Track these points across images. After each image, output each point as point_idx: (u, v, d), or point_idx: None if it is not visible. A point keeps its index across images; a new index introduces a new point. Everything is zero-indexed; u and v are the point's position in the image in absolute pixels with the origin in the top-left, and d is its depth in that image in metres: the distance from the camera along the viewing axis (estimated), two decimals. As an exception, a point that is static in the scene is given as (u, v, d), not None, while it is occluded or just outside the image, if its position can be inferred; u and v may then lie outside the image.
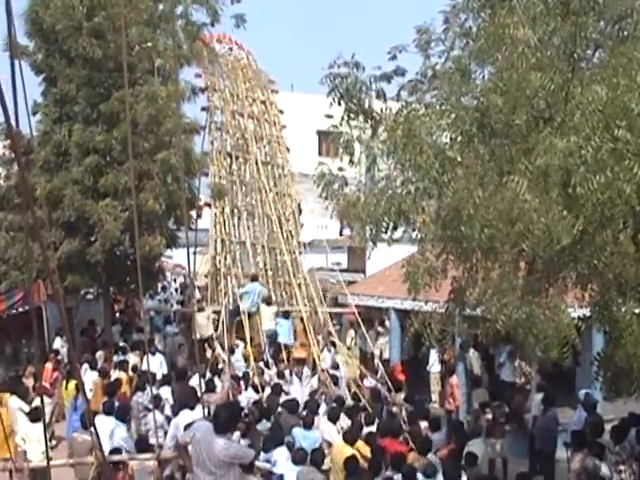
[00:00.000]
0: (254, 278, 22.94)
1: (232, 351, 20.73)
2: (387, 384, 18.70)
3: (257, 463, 11.84)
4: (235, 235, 24.94)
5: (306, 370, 19.92)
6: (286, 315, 22.48)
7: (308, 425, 14.38)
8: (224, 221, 24.82)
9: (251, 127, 26.87)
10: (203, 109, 25.78)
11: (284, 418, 15.01)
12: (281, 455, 12.71)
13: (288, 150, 28.04)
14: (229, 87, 27.04)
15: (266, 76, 29.57)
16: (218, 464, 7.95)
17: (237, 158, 26.05)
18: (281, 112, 28.84)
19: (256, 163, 26.05)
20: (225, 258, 24.36)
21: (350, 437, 13.17)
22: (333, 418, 15.01)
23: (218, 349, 20.74)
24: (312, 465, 11.98)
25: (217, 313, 22.48)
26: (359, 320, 21.96)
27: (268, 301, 22.44)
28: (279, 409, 15.94)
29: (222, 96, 26.46)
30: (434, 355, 21.61)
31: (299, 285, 24.11)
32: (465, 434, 14.36)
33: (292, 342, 22.33)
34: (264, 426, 14.90)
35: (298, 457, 12.21)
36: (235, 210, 25.39)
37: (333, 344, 21.53)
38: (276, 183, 26.67)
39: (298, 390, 18.61)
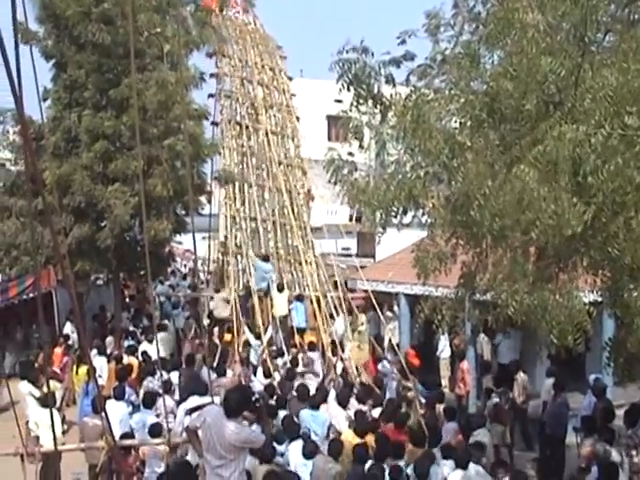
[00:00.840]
0: (265, 258, 22.82)
1: (258, 337, 20.57)
2: (403, 369, 18.43)
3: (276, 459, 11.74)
4: (245, 211, 24.51)
5: (316, 354, 19.86)
6: (300, 298, 22.36)
7: (316, 406, 14.11)
8: (234, 197, 24.39)
9: (260, 95, 26.42)
10: (212, 75, 25.21)
11: (293, 404, 14.72)
12: (295, 450, 12.24)
13: (298, 119, 27.59)
14: (238, 53, 26.58)
15: (274, 42, 28.99)
16: (228, 448, 7.97)
17: (247, 127, 25.59)
18: (290, 79, 28.31)
19: (266, 133, 25.64)
20: (235, 237, 23.98)
21: (360, 429, 12.77)
22: (343, 403, 14.70)
23: (247, 333, 20.58)
24: (329, 455, 11.63)
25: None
26: (375, 304, 21.62)
27: (280, 288, 22.29)
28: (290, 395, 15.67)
29: (231, 62, 26.03)
30: (444, 340, 21.63)
31: (309, 264, 23.92)
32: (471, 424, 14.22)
33: (305, 325, 22.25)
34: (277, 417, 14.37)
35: (309, 450, 11.87)
36: (245, 185, 24.91)
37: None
38: (286, 154, 26.29)
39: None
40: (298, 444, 12.19)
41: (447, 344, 21.73)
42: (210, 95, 25.53)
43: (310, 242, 24.92)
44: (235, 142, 25.16)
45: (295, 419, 13.46)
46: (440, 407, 15.27)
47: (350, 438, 12.43)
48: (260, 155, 25.52)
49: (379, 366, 20.23)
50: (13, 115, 21.46)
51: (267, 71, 27.38)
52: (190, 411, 12.37)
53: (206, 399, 13.11)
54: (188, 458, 11.21)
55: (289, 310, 22.05)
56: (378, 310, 21.60)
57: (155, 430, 12.45)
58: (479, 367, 20.35)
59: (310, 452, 11.83)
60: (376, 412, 14.81)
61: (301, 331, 21.91)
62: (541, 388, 17.72)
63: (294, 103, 28.03)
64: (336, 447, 11.72)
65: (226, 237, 24.23)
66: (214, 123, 25.42)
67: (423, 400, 16.26)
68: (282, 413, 13.85)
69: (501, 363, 20.52)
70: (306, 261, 23.96)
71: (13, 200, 22.17)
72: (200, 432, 8.36)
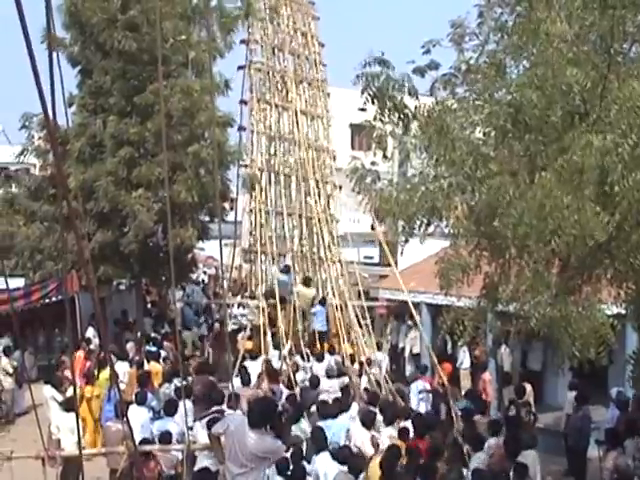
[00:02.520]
0: (286, 269, 22.76)
1: (277, 346, 20.33)
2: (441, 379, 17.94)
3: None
4: (271, 204, 23.78)
5: (333, 360, 19.57)
6: (323, 302, 22.17)
7: (335, 415, 13.73)
8: (261, 188, 23.70)
9: (291, 67, 25.40)
10: (242, 42, 24.25)
11: (313, 420, 14.30)
12: (322, 462, 11.67)
13: (328, 95, 26.47)
14: (269, 14, 25.31)
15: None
16: (250, 457, 7.97)
17: (276, 106, 24.66)
18: (322, 45, 27.00)
19: (295, 114, 24.73)
20: (260, 237, 23.29)
21: (389, 464, 11.36)
22: (367, 424, 13.48)
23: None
24: (350, 472, 11.07)
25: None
26: (413, 312, 20.78)
27: (307, 283, 22.10)
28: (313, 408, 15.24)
29: (263, 26, 24.87)
30: (463, 351, 21.53)
31: (334, 263, 23.54)
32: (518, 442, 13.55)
33: (326, 329, 22.09)
34: (299, 427, 13.90)
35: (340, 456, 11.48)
36: (272, 173, 24.08)
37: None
38: (316, 137, 25.37)
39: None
40: (325, 456, 11.77)
41: (467, 355, 21.62)
42: (240, 67, 24.67)
43: (336, 238, 24.36)
44: (263, 125, 24.29)
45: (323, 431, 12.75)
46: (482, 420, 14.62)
47: (377, 470, 11.46)
48: (289, 139, 24.68)
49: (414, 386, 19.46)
50: (39, 120, 21.62)
51: (299, 37, 26.21)
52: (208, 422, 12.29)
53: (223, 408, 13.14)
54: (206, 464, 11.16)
55: (312, 313, 21.88)
56: (414, 316, 21.10)
57: (165, 439, 12.40)
58: (500, 378, 20.23)
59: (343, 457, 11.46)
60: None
61: (322, 335, 21.71)
62: (563, 400, 17.60)
63: (324, 76, 26.66)
64: (357, 464, 11.29)
65: (251, 234, 23.82)
66: (241, 128, 24.60)
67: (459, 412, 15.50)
68: (304, 422, 13.68)
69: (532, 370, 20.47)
70: (332, 260, 23.56)
71: (38, 205, 22.32)
72: (222, 438, 8.37)
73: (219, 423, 8.87)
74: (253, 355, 19.57)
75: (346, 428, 13.75)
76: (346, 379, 18.62)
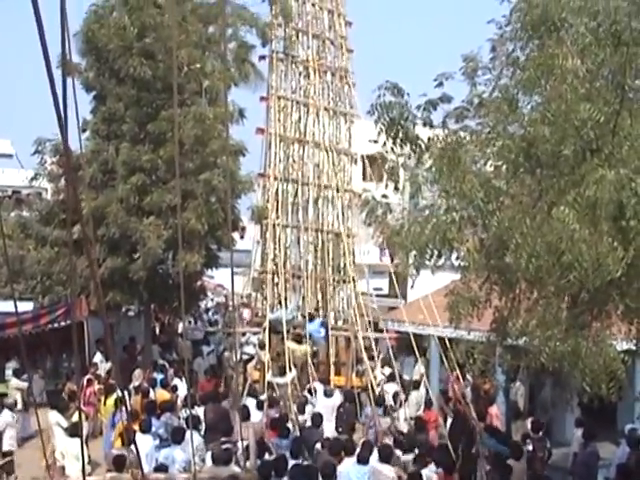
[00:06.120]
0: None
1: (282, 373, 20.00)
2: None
3: None
4: (286, 220, 23.20)
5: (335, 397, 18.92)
6: (324, 325, 21.86)
7: (364, 460, 12.70)
8: (277, 201, 23.11)
9: (315, 55, 24.25)
10: (265, 25, 23.27)
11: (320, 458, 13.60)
12: None
13: (353, 86, 25.04)
14: None
15: None
16: None
17: (297, 103, 23.88)
18: (349, 24, 25.56)
19: (317, 112, 23.87)
20: (274, 248, 22.76)
21: None
22: (386, 458, 12.92)
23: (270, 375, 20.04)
24: None
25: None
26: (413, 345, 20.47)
27: (298, 340, 21.14)
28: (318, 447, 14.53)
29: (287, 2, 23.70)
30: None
31: (348, 282, 23.04)
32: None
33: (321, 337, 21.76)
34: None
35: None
36: (288, 186, 23.31)
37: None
38: (337, 139, 24.35)
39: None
40: None
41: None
42: (261, 57, 24.19)
43: (352, 255, 23.61)
44: (282, 127, 23.48)
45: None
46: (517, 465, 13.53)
47: None
48: (308, 142, 23.76)
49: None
50: (53, 145, 21.77)
51: (325, 17, 24.95)
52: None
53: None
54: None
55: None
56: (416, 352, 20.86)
57: (160, 468, 12.34)
58: (510, 412, 20.09)
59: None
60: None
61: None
62: (570, 436, 17.46)
63: (350, 65, 25.32)
64: None
65: (263, 250, 23.34)
66: (260, 130, 23.81)
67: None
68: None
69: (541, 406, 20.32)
70: (344, 280, 23.14)
71: (49, 229, 22.41)
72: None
73: None
74: (253, 392, 18.98)
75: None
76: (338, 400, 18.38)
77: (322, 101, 24.00)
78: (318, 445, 14.78)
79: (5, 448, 16.70)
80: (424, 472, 12.28)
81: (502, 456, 13.62)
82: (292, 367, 20.22)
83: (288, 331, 20.93)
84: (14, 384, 20.43)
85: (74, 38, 21.16)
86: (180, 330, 28.97)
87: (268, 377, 19.78)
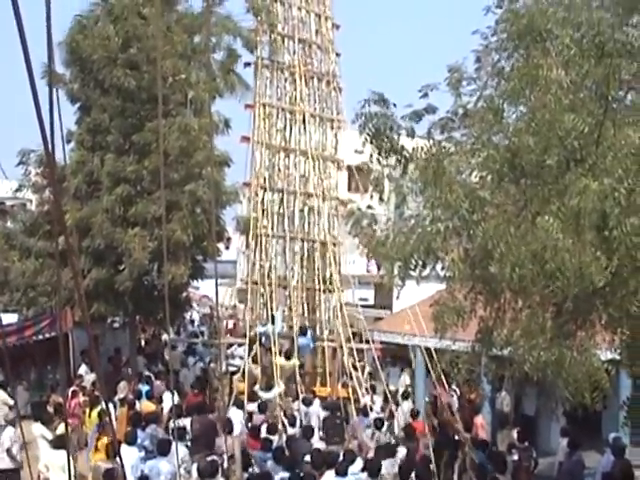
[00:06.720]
0: (303, 332, 21.66)
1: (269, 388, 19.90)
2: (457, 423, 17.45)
3: None
4: (272, 229, 22.71)
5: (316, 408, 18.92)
6: (304, 332, 21.57)
7: (343, 472, 12.35)
8: (263, 210, 22.60)
9: (301, 60, 23.76)
10: (250, 31, 22.90)
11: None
12: None
13: (340, 91, 24.56)
14: None
15: None
16: None
17: (283, 110, 23.44)
18: (336, 27, 25.08)
19: (303, 119, 23.44)
20: (260, 258, 22.29)
21: None
22: (373, 471, 12.62)
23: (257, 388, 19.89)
24: None
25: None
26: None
27: (288, 356, 20.90)
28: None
29: (272, 9, 23.26)
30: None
31: (332, 292, 22.73)
32: None
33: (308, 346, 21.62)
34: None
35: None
36: (273, 194, 22.94)
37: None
38: (323, 147, 23.97)
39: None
40: None
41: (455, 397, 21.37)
42: (246, 64, 23.63)
43: (339, 265, 23.41)
44: (267, 134, 23.03)
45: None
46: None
47: None
48: (294, 151, 23.42)
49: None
50: (38, 156, 21.68)
51: (311, 19, 24.36)
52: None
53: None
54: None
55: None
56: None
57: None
58: (496, 421, 20.10)
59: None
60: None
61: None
62: (555, 445, 17.47)
63: (337, 69, 24.82)
64: None
65: (248, 256, 22.90)
66: (245, 138, 23.25)
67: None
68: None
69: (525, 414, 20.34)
70: (330, 290, 22.79)
71: (33, 240, 22.31)
72: None
73: None
74: (239, 403, 18.80)
75: None
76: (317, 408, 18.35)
77: (308, 107, 23.75)
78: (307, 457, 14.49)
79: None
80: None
81: (486, 470, 13.56)
82: (279, 382, 20.02)
83: (275, 344, 20.66)
84: (3, 398, 20.21)
85: (57, 48, 21.11)
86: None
87: (256, 389, 19.67)
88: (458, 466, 16.43)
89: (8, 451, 15.60)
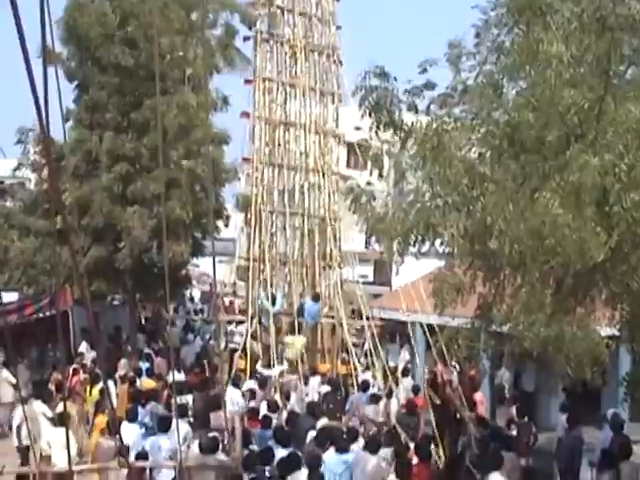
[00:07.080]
0: (315, 297, 21.47)
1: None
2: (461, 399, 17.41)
3: None
4: (272, 203, 22.49)
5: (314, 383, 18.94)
6: (316, 299, 21.34)
7: (346, 449, 12.37)
8: (262, 186, 22.37)
9: (301, 32, 23.45)
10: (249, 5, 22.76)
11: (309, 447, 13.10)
12: None
13: (341, 64, 24.19)
14: None
15: None
16: None
17: (283, 84, 23.17)
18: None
19: (303, 93, 23.23)
20: (260, 234, 21.98)
21: None
22: (372, 448, 12.40)
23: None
24: None
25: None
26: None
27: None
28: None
29: None
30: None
31: (333, 268, 22.64)
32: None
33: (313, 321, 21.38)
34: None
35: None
36: (274, 169, 22.64)
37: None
38: (324, 120, 23.69)
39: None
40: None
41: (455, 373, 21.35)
42: (245, 38, 23.46)
43: (339, 241, 23.25)
44: (267, 109, 22.82)
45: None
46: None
47: None
48: (294, 125, 23.15)
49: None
50: (35, 135, 21.63)
51: None
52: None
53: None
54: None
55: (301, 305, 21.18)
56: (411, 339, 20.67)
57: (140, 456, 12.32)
58: (495, 397, 20.13)
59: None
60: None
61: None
62: (555, 421, 17.52)
63: (337, 42, 24.50)
64: None
65: (249, 235, 22.51)
66: (245, 113, 22.94)
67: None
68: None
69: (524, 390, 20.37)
70: (329, 266, 22.73)
71: (32, 219, 22.29)
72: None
73: None
74: (235, 382, 18.73)
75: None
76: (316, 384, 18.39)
77: (309, 81, 23.50)
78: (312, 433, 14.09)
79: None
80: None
81: (488, 446, 13.42)
82: (284, 360, 20.05)
83: (272, 324, 20.56)
84: (5, 376, 20.24)
85: (55, 26, 20.95)
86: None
87: (258, 367, 19.69)
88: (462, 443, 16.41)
89: (18, 429, 15.69)
